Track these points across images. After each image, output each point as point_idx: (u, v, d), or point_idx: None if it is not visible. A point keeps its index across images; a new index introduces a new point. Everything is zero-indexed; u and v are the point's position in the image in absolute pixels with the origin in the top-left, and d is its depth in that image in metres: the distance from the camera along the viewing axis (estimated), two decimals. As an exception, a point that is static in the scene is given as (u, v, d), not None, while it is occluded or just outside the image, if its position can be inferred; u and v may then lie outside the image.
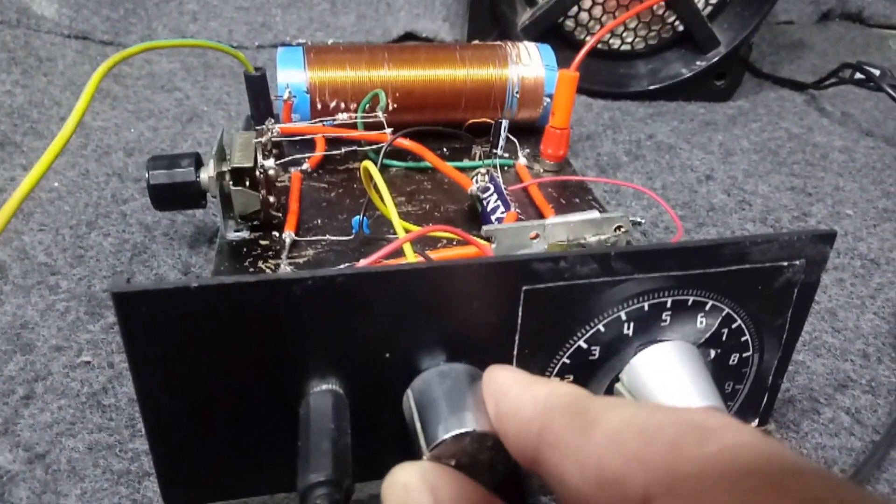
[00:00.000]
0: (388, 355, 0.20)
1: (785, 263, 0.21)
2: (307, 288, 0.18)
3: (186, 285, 0.17)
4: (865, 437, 0.28)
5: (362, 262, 0.22)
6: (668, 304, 0.21)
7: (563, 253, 0.19)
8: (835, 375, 0.31)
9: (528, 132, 0.45)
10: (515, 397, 0.16)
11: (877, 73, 0.60)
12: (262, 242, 0.34)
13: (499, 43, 0.46)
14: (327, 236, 0.34)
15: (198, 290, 0.17)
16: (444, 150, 0.43)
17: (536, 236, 0.27)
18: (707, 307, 0.21)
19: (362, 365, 0.20)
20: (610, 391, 0.22)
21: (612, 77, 0.61)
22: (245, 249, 0.33)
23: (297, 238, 0.34)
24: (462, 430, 0.18)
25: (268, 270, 0.32)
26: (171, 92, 0.56)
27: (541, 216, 0.37)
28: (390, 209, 0.26)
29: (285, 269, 0.32)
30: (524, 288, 0.20)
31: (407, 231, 0.28)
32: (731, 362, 0.23)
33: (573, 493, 0.14)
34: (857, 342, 0.33)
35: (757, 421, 0.25)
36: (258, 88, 0.40)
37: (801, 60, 0.74)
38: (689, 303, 0.21)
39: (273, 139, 0.34)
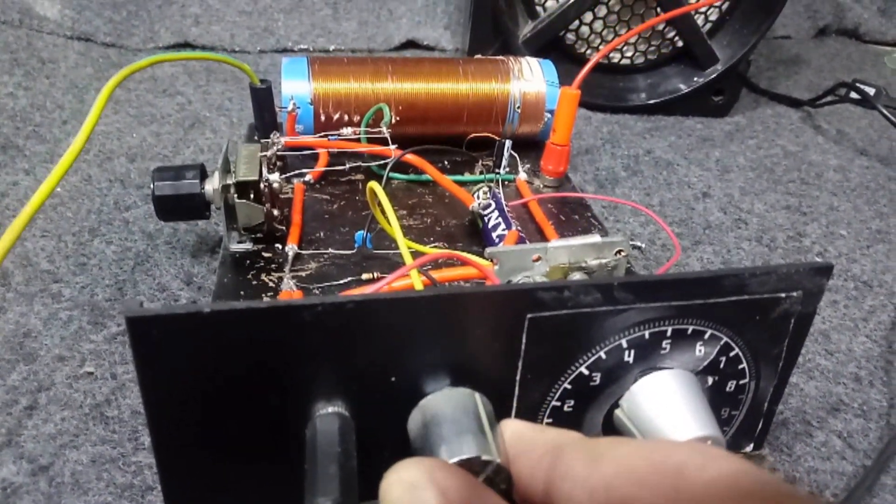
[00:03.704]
0: (393, 379, 0.20)
1: (783, 295, 0.22)
2: (317, 314, 0.18)
3: (199, 310, 0.18)
4: (857, 462, 0.28)
5: (370, 288, 0.22)
6: (668, 333, 0.21)
7: (567, 282, 0.20)
8: (827, 398, 0.32)
9: (529, 146, 0.45)
10: (529, 439, 0.17)
11: (872, 91, 0.61)
12: (265, 254, 0.34)
13: (501, 58, 0.47)
14: (330, 250, 0.34)
15: (210, 315, 0.18)
16: (446, 163, 0.44)
17: (538, 259, 0.27)
18: (706, 336, 0.22)
19: (368, 388, 0.20)
20: (609, 417, 0.22)
21: (612, 91, 0.62)
22: (248, 261, 0.34)
23: (299, 251, 0.34)
24: (467, 455, 0.18)
25: (270, 283, 0.33)
26: (174, 96, 0.56)
27: (541, 233, 0.37)
28: (396, 231, 0.26)
29: (288, 282, 0.32)
30: (529, 316, 0.20)
31: (411, 251, 0.28)
32: (728, 389, 0.23)
33: None
34: (850, 365, 0.34)
35: (752, 446, 0.25)
36: (263, 101, 0.41)
37: (797, 76, 0.75)
38: (689, 331, 0.22)
39: (278, 153, 0.35)
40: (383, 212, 0.27)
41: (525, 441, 0.17)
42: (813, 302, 0.22)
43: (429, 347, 0.20)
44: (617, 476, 0.14)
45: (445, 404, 0.20)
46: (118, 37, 0.64)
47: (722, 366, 0.23)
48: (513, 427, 0.18)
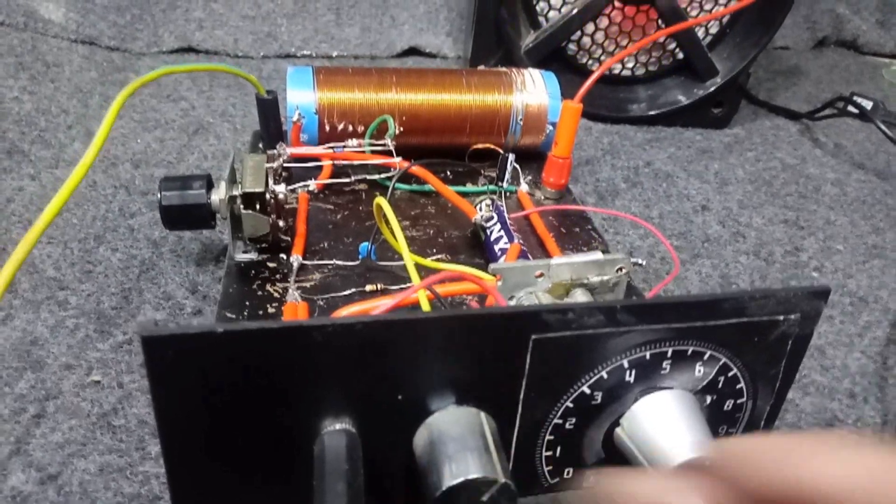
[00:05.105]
0: (400, 397, 0.20)
1: (781, 317, 0.22)
2: (327, 334, 0.19)
3: (212, 330, 0.18)
4: (850, 478, 0.29)
5: (377, 303, 0.23)
6: (669, 354, 0.22)
7: (571, 305, 0.20)
8: (822, 414, 0.32)
9: (531, 158, 0.46)
10: (760, 446, 0.17)
11: (869, 105, 0.62)
12: (270, 265, 0.34)
13: (504, 69, 0.47)
14: (334, 261, 0.35)
15: (223, 334, 0.18)
16: (448, 173, 0.44)
17: (541, 275, 0.28)
18: (705, 357, 0.22)
19: (376, 406, 0.20)
20: (610, 435, 0.23)
21: (613, 101, 0.62)
22: (253, 271, 0.34)
23: (304, 261, 0.34)
24: (473, 476, 0.19)
25: (275, 293, 0.33)
26: (178, 102, 0.56)
27: (542, 246, 0.38)
28: (403, 248, 0.27)
29: (293, 293, 0.33)
30: (533, 337, 0.20)
31: (416, 265, 0.28)
32: (725, 408, 0.24)
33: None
34: (845, 381, 0.34)
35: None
36: (269, 111, 0.41)
37: (796, 87, 0.76)
38: (689, 352, 0.22)
39: (284, 164, 0.35)
40: (390, 227, 0.28)
41: (759, 449, 0.17)
42: (810, 324, 0.23)
43: (435, 367, 0.20)
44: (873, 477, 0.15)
45: (451, 423, 0.20)
46: (122, 41, 0.65)
47: (720, 385, 0.23)
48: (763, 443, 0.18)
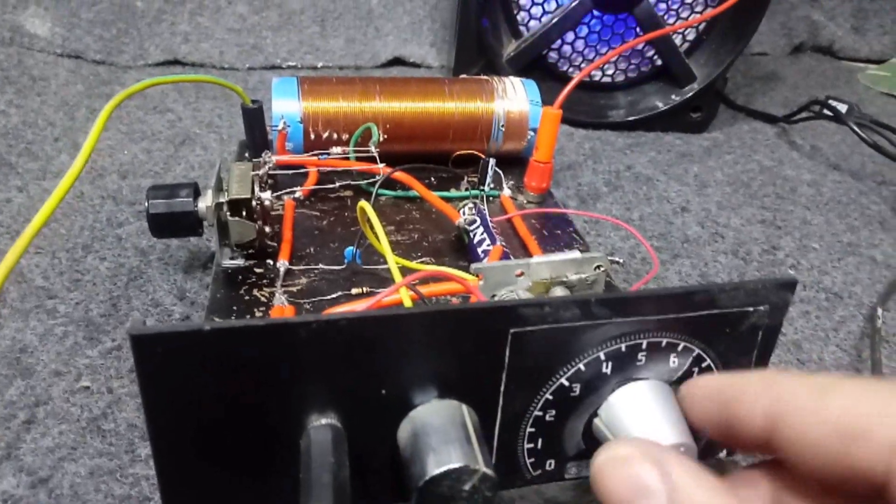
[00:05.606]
0: (384, 391, 0.21)
1: (750, 309, 0.23)
2: (312, 331, 0.19)
3: (199, 328, 0.19)
4: (825, 466, 0.30)
5: (362, 303, 0.23)
6: (644, 346, 0.23)
7: (548, 299, 0.21)
8: (798, 406, 0.33)
9: (513, 163, 0.47)
10: (740, 382, 0.18)
11: (844, 108, 0.63)
12: (257, 270, 0.35)
13: (486, 77, 0.48)
14: (320, 265, 0.35)
15: (210, 332, 0.19)
16: (432, 179, 0.45)
17: (521, 274, 0.28)
18: (679, 348, 0.23)
19: (360, 400, 0.21)
20: (589, 425, 0.23)
21: (593, 107, 0.63)
22: (240, 277, 0.34)
23: (290, 266, 0.35)
24: (455, 465, 0.19)
25: (262, 298, 0.33)
26: (164, 113, 0.57)
27: (525, 248, 0.38)
28: (386, 250, 0.27)
29: (280, 297, 0.33)
30: (512, 330, 0.21)
31: (400, 267, 0.29)
32: (701, 398, 0.25)
33: (811, 451, 0.16)
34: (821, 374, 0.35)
35: (725, 451, 0.27)
36: (255, 120, 0.42)
37: (773, 92, 0.77)
38: (663, 344, 0.23)
39: (269, 172, 0.36)
40: (373, 230, 0.29)
41: (735, 387, 0.19)
42: (779, 315, 0.24)
43: (418, 361, 0.21)
44: (848, 408, 0.15)
45: (433, 416, 0.21)
46: (108, 54, 0.65)
47: (695, 376, 0.24)
48: (707, 382, 0.20)
